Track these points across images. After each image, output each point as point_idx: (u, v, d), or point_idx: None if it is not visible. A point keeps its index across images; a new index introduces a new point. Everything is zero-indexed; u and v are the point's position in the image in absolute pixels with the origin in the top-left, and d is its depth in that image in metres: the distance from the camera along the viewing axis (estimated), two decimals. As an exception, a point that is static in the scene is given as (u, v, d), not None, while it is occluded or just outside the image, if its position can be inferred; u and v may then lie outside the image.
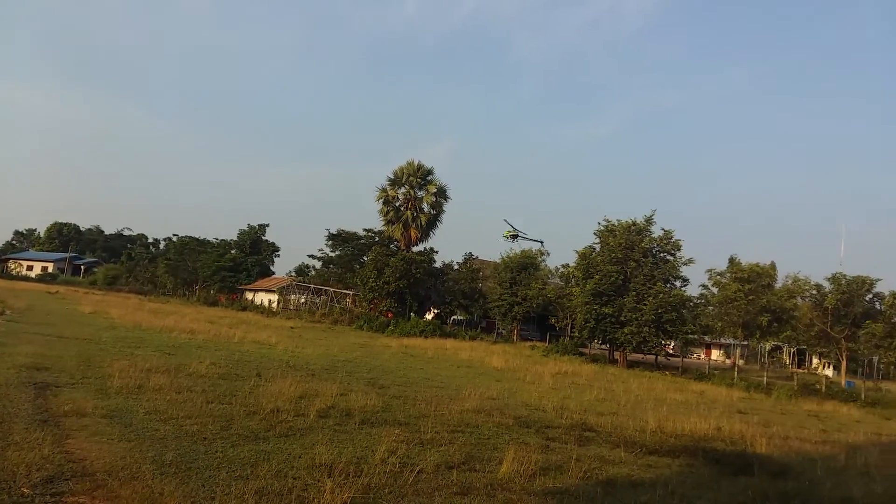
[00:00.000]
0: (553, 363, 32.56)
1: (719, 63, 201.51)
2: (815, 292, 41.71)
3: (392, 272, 51.06)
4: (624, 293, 39.76)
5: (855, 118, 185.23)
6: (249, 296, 72.30)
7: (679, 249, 41.21)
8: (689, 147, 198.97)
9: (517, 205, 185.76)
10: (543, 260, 56.63)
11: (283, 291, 67.85)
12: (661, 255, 41.54)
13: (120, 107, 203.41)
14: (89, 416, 9.23)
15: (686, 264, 41.11)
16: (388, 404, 13.09)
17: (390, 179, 58.61)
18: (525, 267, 54.12)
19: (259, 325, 38.04)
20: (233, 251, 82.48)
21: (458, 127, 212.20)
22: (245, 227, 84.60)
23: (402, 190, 58.52)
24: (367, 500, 6.81)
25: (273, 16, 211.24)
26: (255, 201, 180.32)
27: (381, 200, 58.49)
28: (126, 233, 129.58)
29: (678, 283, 41.28)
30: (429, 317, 57.44)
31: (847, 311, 39.68)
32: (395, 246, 60.24)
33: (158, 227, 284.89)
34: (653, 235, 41.53)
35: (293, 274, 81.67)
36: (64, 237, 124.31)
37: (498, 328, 58.79)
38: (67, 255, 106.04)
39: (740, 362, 53.61)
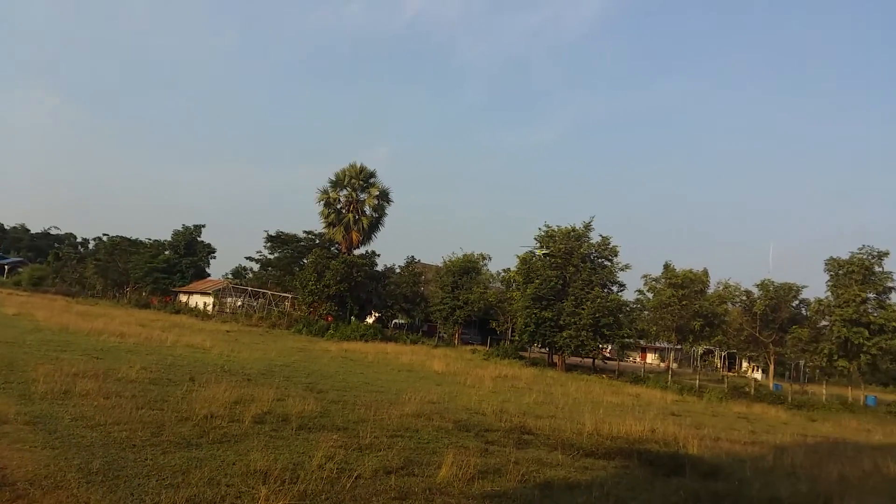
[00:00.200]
0: (493, 367, 32.79)
1: (659, 72, 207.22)
2: (744, 298, 43.25)
3: (333, 275, 50.51)
4: (563, 298, 40.37)
5: (784, 130, 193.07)
6: (184, 298, 70.41)
7: (616, 255, 42.19)
8: (628, 154, 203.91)
9: (460, 209, 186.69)
10: (485, 264, 57.04)
11: (218, 294, 66.33)
12: (599, 260, 42.39)
13: (43, 98, 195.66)
14: (11, 423, 8.88)
15: (623, 270, 42.13)
16: (327, 409, 12.94)
17: (332, 181, 58.04)
18: (467, 271, 54.33)
19: (193, 328, 37.13)
20: (166, 252, 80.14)
21: (401, 130, 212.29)
22: (180, 228, 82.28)
23: (344, 192, 57.99)
24: (304, 507, 6.69)
25: (211, 11, 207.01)
26: (191, 201, 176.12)
27: (322, 202, 57.81)
28: (53, 231, 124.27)
29: (615, 289, 42.22)
30: (370, 321, 57.06)
31: (775, 317, 41.25)
32: (336, 249, 59.60)
33: (88, 226, 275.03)
34: (591, 241, 42.35)
35: (230, 276, 79.87)
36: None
37: (439, 332, 58.80)
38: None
39: (674, 366, 55.00)
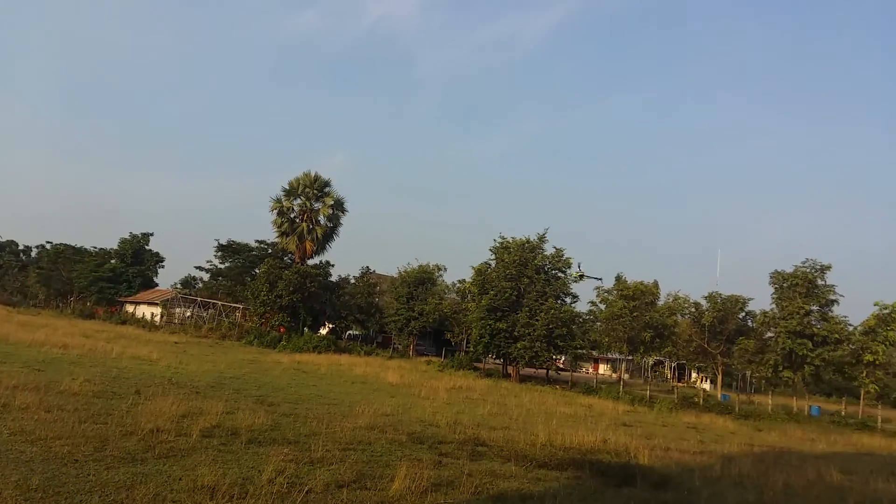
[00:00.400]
0: (448, 378, 32.74)
1: (609, 89, 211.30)
2: (693, 310, 44.14)
3: (285, 285, 49.85)
4: (517, 309, 40.62)
5: (731, 146, 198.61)
6: (130, 309, 68.65)
7: (569, 267, 42.68)
8: (580, 167, 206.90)
9: (416, 219, 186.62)
10: (441, 275, 57.06)
11: (167, 304, 64.79)
12: (553, 272, 42.81)
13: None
14: (-57, 440, 8.48)
15: (576, 281, 42.59)
16: (278, 422, 12.72)
17: (286, 190, 57.35)
18: (422, 282, 54.25)
19: (140, 339, 36.23)
20: (112, 261, 78.02)
21: (356, 139, 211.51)
22: (127, 236, 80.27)
23: (298, 201, 57.37)
24: (252, 523, 6.53)
25: (161, 16, 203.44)
26: (139, 209, 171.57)
27: (275, 211, 57.04)
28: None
29: (568, 300, 42.69)
30: (323, 332, 56.48)
31: (722, 328, 42.18)
32: (290, 258, 58.88)
33: (31, 233, 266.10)
34: (545, 253, 42.77)
35: (178, 286, 78.24)
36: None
37: (394, 343, 58.52)
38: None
39: (626, 376, 55.74)
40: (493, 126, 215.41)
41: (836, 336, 36.81)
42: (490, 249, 44.39)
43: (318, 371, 28.78)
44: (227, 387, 18.38)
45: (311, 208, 57.06)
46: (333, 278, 59.28)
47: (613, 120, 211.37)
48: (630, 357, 52.95)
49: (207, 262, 72.30)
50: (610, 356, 66.03)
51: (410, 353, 53.86)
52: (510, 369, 42.68)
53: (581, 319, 43.78)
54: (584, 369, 66.21)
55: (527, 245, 42.70)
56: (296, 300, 50.28)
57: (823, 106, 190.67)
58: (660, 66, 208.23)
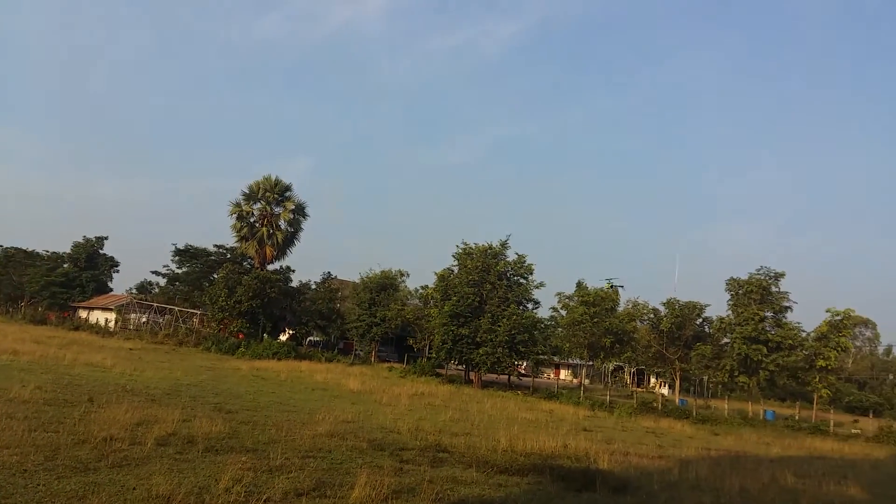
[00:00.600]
0: (410, 384, 32.63)
1: (572, 97, 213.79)
2: (652, 316, 44.83)
3: (244, 291, 49.14)
4: (480, 315, 40.68)
5: (690, 155, 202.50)
6: (84, 314, 66.96)
7: (531, 273, 42.88)
8: (541, 175, 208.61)
9: (379, 225, 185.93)
10: (403, 281, 56.88)
11: (122, 310, 63.33)
12: (515, 278, 42.99)
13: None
14: None
15: (538, 287, 42.88)
16: (236, 430, 12.53)
17: (245, 194, 56.63)
18: (385, 287, 53.99)
19: (94, 345, 35.43)
20: (65, 265, 76.02)
21: (319, 144, 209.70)
22: (80, 240, 78.28)
23: (258, 205, 56.71)
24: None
25: (121, 16, 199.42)
26: (93, 212, 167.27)
27: (234, 215, 56.27)
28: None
29: (530, 306, 42.87)
30: (283, 338, 55.80)
31: (680, 334, 42.93)
32: (249, 263, 58.11)
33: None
34: (507, 259, 42.95)
35: (134, 291, 76.51)
36: None
37: (356, 350, 58.11)
38: None
39: (586, 382, 56.44)
40: (458, 132, 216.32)
41: (790, 342, 37.73)
42: (453, 255, 44.44)
43: (278, 378, 28.44)
44: (184, 394, 18.08)
45: (271, 213, 56.46)
46: (294, 284, 58.74)
47: (575, 128, 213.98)
48: (591, 362, 53.56)
49: (164, 266, 70.95)
50: (571, 362, 66.64)
51: (372, 359, 53.55)
52: (472, 375, 42.71)
53: (543, 325, 44.02)
54: (545, 375, 66.60)
55: (489, 251, 42.84)
56: (255, 306, 49.60)
57: (779, 118, 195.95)
58: (621, 76, 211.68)
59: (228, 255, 63.17)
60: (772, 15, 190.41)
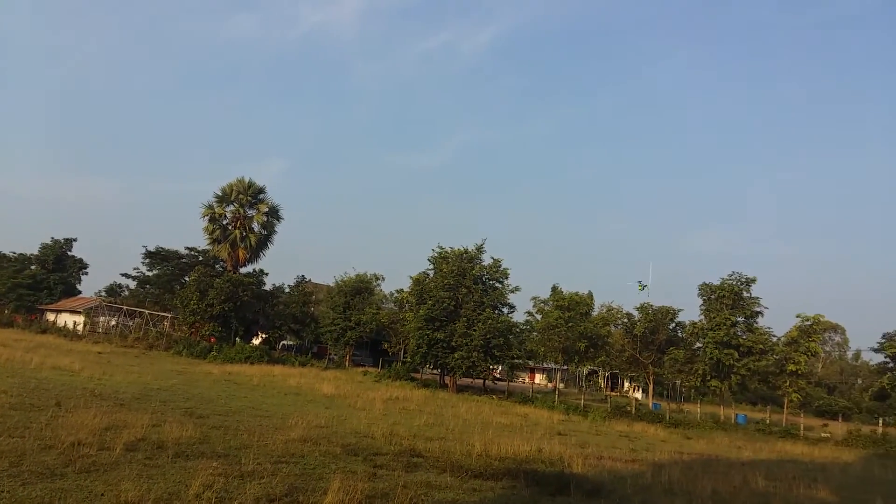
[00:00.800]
0: (385, 389, 32.50)
1: (547, 103, 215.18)
2: (626, 320, 45.12)
3: (217, 294, 48.57)
4: (455, 319, 40.66)
5: (648, 164, 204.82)
6: (51, 317, 65.70)
7: (507, 277, 43.01)
8: (513, 180, 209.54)
9: (354, 228, 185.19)
10: (378, 285, 56.66)
11: (90, 313, 62.17)
12: (491, 282, 43.06)
13: None
14: None
15: (513, 292, 42.97)
16: (207, 435, 12.36)
17: (218, 196, 55.98)
18: (359, 291, 53.72)
19: (61, 349, 34.81)
20: (32, 267, 74.53)
21: (293, 146, 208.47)
22: (48, 241, 76.83)
23: (231, 208, 56.11)
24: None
25: (90, 16, 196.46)
26: (62, 213, 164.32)
27: (206, 218, 55.58)
28: None
29: (505, 310, 42.97)
30: (256, 342, 55.23)
31: (653, 339, 43.25)
32: (221, 266, 57.43)
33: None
34: (483, 263, 42.99)
35: (103, 294, 75.26)
36: None
37: (330, 354, 57.72)
38: None
39: (561, 386, 56.68)
40: (432, 136, 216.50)
41: (761, 346, 38.21)
42: (428, 259, 44.43)
43: (250, 382, 28.16)
44: (154, 398, 17.84)
45: (244, 215, 55.91)
46: (267, 287, 58.11)
47: (546, 134, 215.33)
48: (565, 367, 53.79)
49: (134, 269, 69.84)
50: (546, 366, 66.91)
51: (347, 363, 53.23)
52: (447, 379, 42.67)
53: (518, 329, 44.15)
54: (520, 379, 66.81)
55: (465, 255, 42.87)
56: (227, 309, 49.04)
57: (747, 126, 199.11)
58: (592, 83, 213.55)
59: (200, 258, 62.40)
60: (743, 24, 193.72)
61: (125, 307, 62.27)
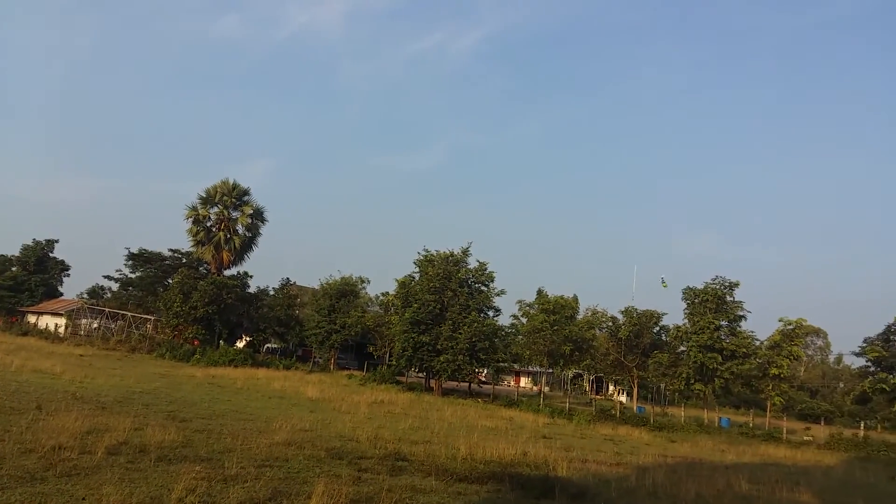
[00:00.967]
0: (370, 392, 32.43)
1: (533, 106, 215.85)
2: (610, 324, 45.29)
3: (200, 296, 48.24)
4: (441, 322, 40.65)
5: (632, 168, 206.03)
6: (32, 319, 65.08)
7: (492, 280, 43.07)
8: (503, 183, 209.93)
9: (340, 230, 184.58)
10: (364, 287, 56.56)
11: (72, 315, 61.71)
12: (476, 285, 43.11)
13: None
14: None
15: (498, 295, 43.06)
16: (190, 439, 12.27)
17: (202, 198, 55.65)
18: (345, 294, 53.59)
19: (43, 351, 34.49)
20: (14, 268, 73.81)
21: (278, 148, 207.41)
22: (30, 243, 76.09)
23: (215, 210, 55.77)
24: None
25: (67, 11, 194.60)
26: (44, 214, 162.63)
27: (190, 219, 55.21)
28: None
29: (491, 313, 43.04)
30: (240, 345, 54.96)
31: (638, 342, 43.45)
32: (205, 269, 57.12)
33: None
34: (469, 266, 43.03)
35: (85, 296, 74.64)
36: None
37: (315, 357, 57.53)
38: None
39: (546, 389, 56.71)
40: (420, 138, 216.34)
41: (744, 350, 38.46)
42: (414, 262, 44.43)
43: (234, 385, 28.01)
44: (136, 402, 17.72)
45: (228, 217, 55.60)
46: (252, 290, 57.77)
47: (539, 136, 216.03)
48: (550, 370, 53.83)
49: (117, 271, 69.30)
50: (531, 369, 66.94)
51: (331, 366, 53.06)
52: (433, 383, 42.64)
53: (503, 333, 44.19)
54: (505, 382, 66.88)
55: (451, 258, 42.89)
56: (211, 312, 48.73)
57: (730, 129, 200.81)
58: (580, 86, 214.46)
59: (184, 260, 62.04)
60: (727, 29, 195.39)
61: (107, 309, 61.79)
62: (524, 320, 46.13)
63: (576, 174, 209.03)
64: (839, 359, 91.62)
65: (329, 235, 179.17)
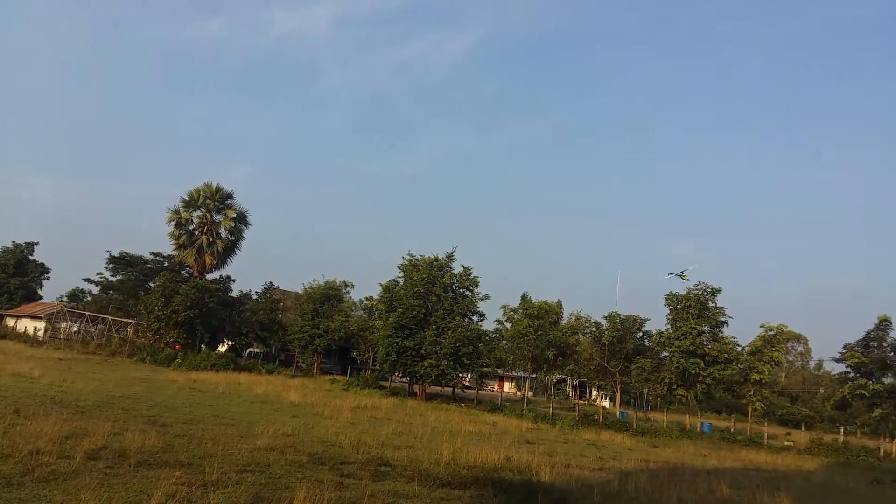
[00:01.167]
0: (353, 397, 32.31)
1: (519, 113, 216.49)
2: (594, 329, 45.49)
3: (182, 300, 47.83)
4: (425, 327, 40.59)
5: (633, 172, 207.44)
6: (11, 322, 64.24)
7: (477, 285, 43.07)
8: (485, 189, 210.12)
9: (324, 234, 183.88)
10: (348, 292, 56.38)
11: (52, 318, 60.95)
12: (461, 290, 43.11)
13: None
14: None
15: (483, 300, 43.09)
16: (170, 444, 12.15)
17: (184, 201, 55.26)
18: (328, 298, 53.39)
19: (21, 355, 34.09)
20: (-8, 271, 72.92)
21: (262, 152, 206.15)
22: (9, 245, 75.17)
23: (198, 213, 55.39)
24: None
25: (52, 14, 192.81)
26: (23, 216, 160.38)
27: (172, 223, 54.83)
28: None
29: (475, 318, 43.03)
30: (222, 349, 54.50)
31: (621, 347, 43.68)
32: (187, 272, 56.66)
33: None
34: (453, 271, 43.04)
35: (65, 299, 73.74)
36: None
37: (298, 361, 57.22)
38: None
39: (530, 394, 56.80)
40: (404, 144, 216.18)
41: (726, 356, 38.79)
42: (399, 267, 44.32)
43: (216, 390, 27.82)
44: (116, 406, 17.55)
45: (211, 220, 55.24)
46: (234, 293, 57.45)
47: (521, 143, 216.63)
48: (534, 375, 53.99)
49: (98, 274, 68.43)
50: (515, 374, 67.08)
51: (314, 371, 52.83)
52: (416, 388, 42.55)
53: (487, 338, 44.22)
54: (489, 387, 66.85)
55: (435, 263, 42.87)
56: (193, 316, 48.32)
57: (720, 135, 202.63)
58: (568, 93, 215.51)
59: (166, 264, 61.45)
60: (711, 36, 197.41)
61: (88, 313, 61.15)
62: (508, 325, 46.27)
63: (563, 177, 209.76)
64: (819, 364, 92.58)
65: (312, 239, 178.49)
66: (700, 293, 40.50)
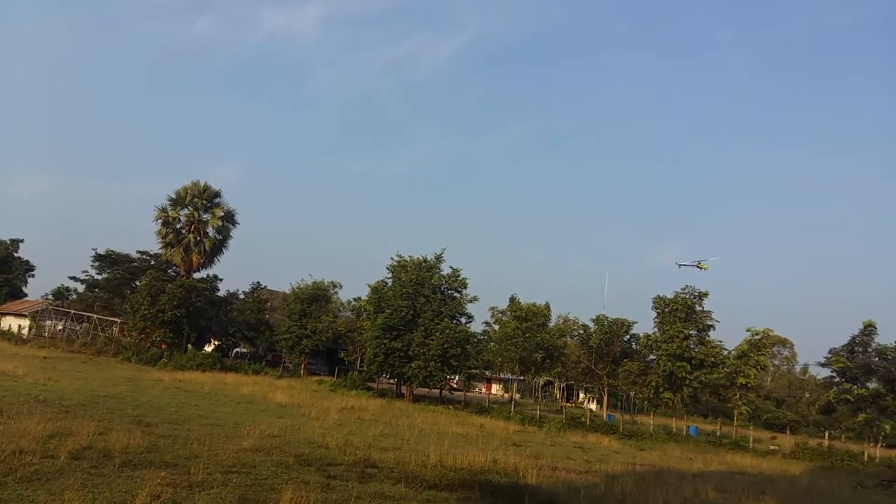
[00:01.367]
0: (340, 398, 32.23)
1: (507, 115, 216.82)
2: (582, 332, 45.55)
3: (168, 299, 47.52)
4: (413, 328, 40.54)
5: (621, 175, 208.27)
6: (-5, 320, 63.65)
7: (465, 287, 43.08)
8: (472, 190, 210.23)
9: (312, 234, 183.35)
10: (336, 292, 56.23)
11: (36, 316, 60.41)
12: (449, 291, 43.09)
13: None
14: None
15: (471, 302, 43.10)
16: (155, 444, 12.08)
17: (172, 199, 54.88)
18: (316, 299, 53.21)
19: (5, 353, 33.83)
20: (-24, 269, 72.31)
21: (251, 151, 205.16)
22: (-7, 242, 74.63)
23: (185, 212, 55.04)
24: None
25: (39, 12, 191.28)
26: (8, 213, 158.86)
27: (159, 221, 54.44)
28: None
29: (463, 320, 43.03)
30: (209, 349, 54.21)
31: (608, 350, 43.76)
32: (174, 271, 56.30)
33: None
34: (442, 273, 43.02)
35: (50, 297, 73.15)
36: None
37: (285, 362, 56.99)
38: None
39: (517, 396, 56.83)
40: (392, 144, 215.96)
41: (713, 359, 38.96)
42: (387, 268, 44.27)
43: (202, 390, 27.67)
44: (101, 406, 17.44)
45: (199, 219, 54.90)
46: (221, 293, 57.11)
47: (507, 145, 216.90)
48: (522, 377, 54.02)
49: (83, 272, 67.82)
50: (502, 376, 67.08)
51: (302, 372, 52.64)
52: (404, 389, 42.48)
53: (475, 339, 44.20)
54: (477, 389, 66.85)
55: (424, 264, 42.84)
56: (179, 315, 48.01)
57: (709, 139, 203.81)
58: (554, 96, 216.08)
59: (152, 262, 61.03)
60: (699, 43, 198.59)
61: (73, 311, 60.64)
62: (496, 327, 46.24)
63: (552, 179, 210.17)
64: (805, 369, 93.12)
65: (301, 239, 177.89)
66: (687, 297, 40.66)
